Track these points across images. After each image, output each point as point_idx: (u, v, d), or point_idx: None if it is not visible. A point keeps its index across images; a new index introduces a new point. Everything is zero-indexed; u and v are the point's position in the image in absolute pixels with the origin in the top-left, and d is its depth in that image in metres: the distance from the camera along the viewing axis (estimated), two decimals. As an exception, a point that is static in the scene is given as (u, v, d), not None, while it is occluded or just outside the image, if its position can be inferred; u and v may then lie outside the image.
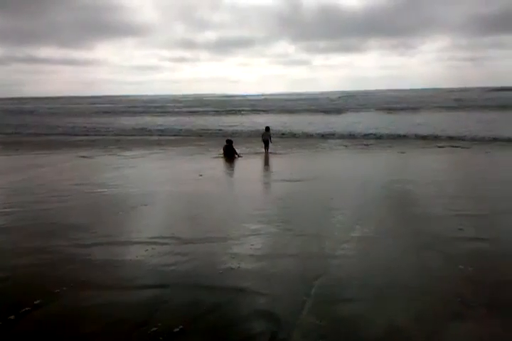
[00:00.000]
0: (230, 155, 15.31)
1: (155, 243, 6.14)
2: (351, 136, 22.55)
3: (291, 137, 23.30)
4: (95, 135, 26.90)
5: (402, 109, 46.33)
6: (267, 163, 14.83)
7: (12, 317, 4.15)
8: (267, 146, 16.57)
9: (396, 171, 12.46)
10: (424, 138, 20.90)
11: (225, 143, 15.81)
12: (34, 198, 9.14)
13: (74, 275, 5.09)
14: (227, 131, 27.08)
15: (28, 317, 4.17)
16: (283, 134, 23.75)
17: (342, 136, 22.67)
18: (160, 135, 26.18)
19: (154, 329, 3.90)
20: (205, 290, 4.67)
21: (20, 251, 5.99)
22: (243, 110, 53.55)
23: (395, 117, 36.03)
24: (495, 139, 19.39)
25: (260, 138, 17.05)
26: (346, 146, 18.45)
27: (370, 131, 23.81)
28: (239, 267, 5.27)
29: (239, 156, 15.35)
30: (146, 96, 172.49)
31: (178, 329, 3.89)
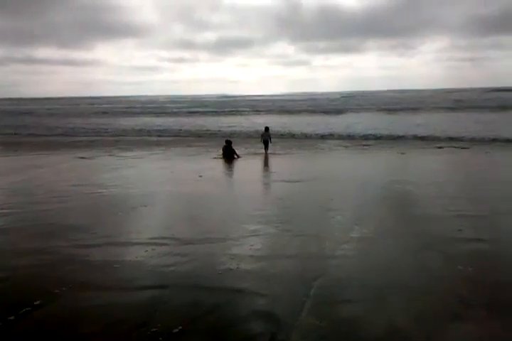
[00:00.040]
0: (229, 155, 15.31)
1: (154, 244, 6.15)
2: (351, 137, 22.57)
3: (290, 137, 23.31)
4: (94, 136, 26.93)
5: (401, 110, 46.43)
6: (266, 163, 14.82)
7: (12, 317, 4.15)
8: (266, 147, 16.54)
9: (396, 172, 12.47)
10: (423, 138, 20.94)
11: (224, 144, 15.82)
12: (33, 199, 9.14)
13: (73, 276, 5.09)
14: (226, 131, 27.11)
15: (27, 318, 4.16)
16: (282, 135, 23.75)
17: (342, 137, 22.71)
18: (159, 135, 26.22)
19: (154, 329, 3.90)
20: (204, 291, 4.67)
21: (20, 251, 5.99)
22: (243, 110, 53.61)
23: (395, 118, 36.06)
24: (494, 140, 19.44)
25: (259, 139, 17.06)
26: (346, 147, 18.45)
27: (370, 132, 23.85)
28: (238, 268, 5.27)
29: (238, 157, 15.35)
30: (146, 96, 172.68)
31: (177, 330, 3.89)
